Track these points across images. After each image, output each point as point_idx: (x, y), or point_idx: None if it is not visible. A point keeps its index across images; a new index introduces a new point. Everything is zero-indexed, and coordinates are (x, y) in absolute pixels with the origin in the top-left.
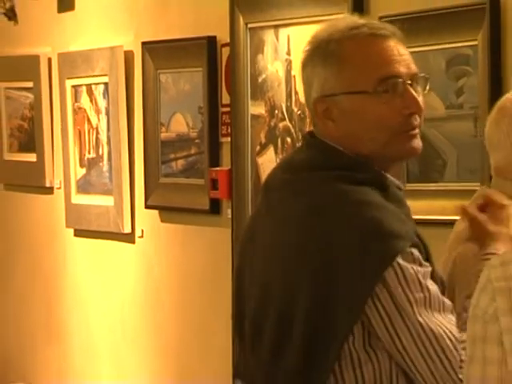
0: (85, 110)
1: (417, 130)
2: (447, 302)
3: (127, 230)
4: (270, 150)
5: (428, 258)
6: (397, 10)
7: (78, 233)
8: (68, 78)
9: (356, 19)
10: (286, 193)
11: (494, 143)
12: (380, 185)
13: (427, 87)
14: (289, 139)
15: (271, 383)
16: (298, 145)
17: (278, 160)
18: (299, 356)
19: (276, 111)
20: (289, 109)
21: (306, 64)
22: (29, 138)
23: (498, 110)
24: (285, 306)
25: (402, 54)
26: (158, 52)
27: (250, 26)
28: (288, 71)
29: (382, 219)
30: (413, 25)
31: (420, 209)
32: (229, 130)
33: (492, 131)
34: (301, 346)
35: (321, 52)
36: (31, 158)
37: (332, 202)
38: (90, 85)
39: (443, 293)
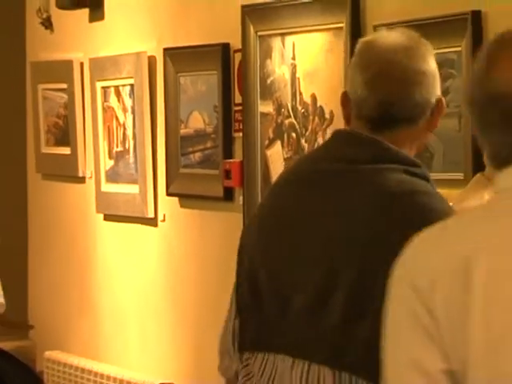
0: (113, 108)
1: None
2: None
3: (151, 214)
4: (278, 144)
5: None
6: (389, 20)
7: (107, 217)
8: (98, 80)
9: None
10: (349, 182)
11: None
12: (427, 178)
13: None
14: (294, 134)
15: (342, 353)
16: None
17: (284, 153)
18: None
19: (282, 109)
20: (294, 107)
21: None
22: (63, 133)
23: None
24: (360, 290)
25: None
26: (178, 57)
27: (259, 33)
28: (293, 74)
29: (449, 211)
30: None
31: None
32: (241, 126)
33: None
34: (375, 320)
35: None
36: (66, 151)
37: (406, 191)
38: (118, 86)
39: None
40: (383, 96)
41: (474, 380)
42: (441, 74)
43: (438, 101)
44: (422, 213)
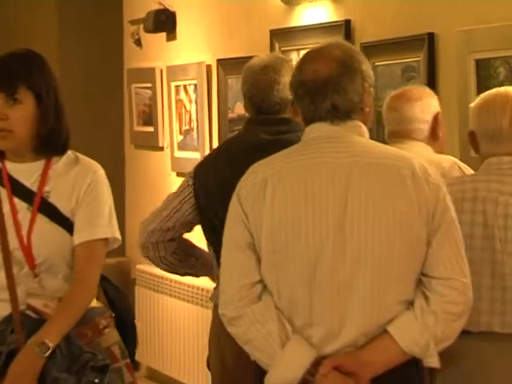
0: (182, 100)
1: None
2: None
3: None
4: None
5: None
6: (371, 39)
7: (178, 174)
8: (172, 81)
9: None
10: None
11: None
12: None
13: None
14: None
15: None
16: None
17: None
18: None
19: None
20: None
21: None
22: (149, 117)
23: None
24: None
25: None
26: (226, 65)
27: (282, 49)
28: None
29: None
30: (382, 48)
31: None
32: None
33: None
34: None
35: None
36: (150, 129)
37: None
38: (186, 85)
39: None
40: None
41: (264, 249)
42: (406, 76)
43: None
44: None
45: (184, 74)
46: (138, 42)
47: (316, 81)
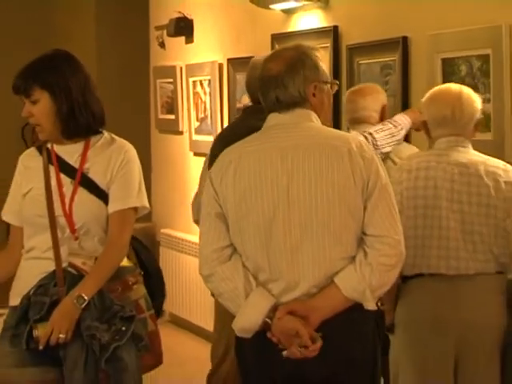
0: (199, 93)
1: None
2: None
3: None
4: None
5: None
6: (355, 41)
7: (195, 154)
8: (190, 77)
9: None
10: None
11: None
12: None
13: None
14: None
15: None
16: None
17: None
18: None
19: None
20: None
21: None
22: (171, 107)
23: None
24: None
25: None
26: (235, 63)
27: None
28: None
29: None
30: (364, 49)
31: None
32: None
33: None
34: None
35: None
36: (172, 117)
37: None
38: (201, 80)
39: None
40: None
41: (230, 218)
42: (384, 73)
43: None
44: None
45: (200, 71)
46: (162, 45)
47: (266, 77)
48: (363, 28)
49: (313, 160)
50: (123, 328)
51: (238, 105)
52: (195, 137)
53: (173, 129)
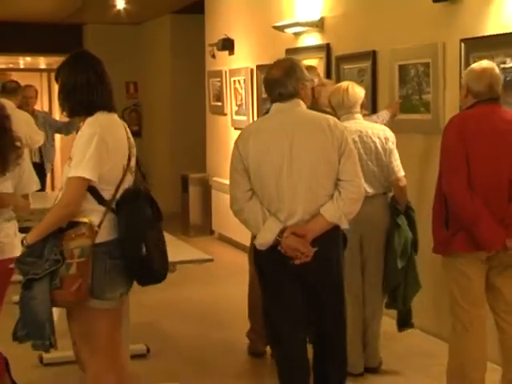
0: (237, 88)
1: None
2: None
3: None
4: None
5: None
6: (341, 53)
7: (236, 128)
8: (231, 77)
9: None
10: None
11: None
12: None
13: None
14: None
15: None
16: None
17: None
18: None
19: None
20: None
21: None
22: (219, 97)
23: None
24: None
25: None
26: (261, 68)
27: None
28: None
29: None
30: (347, 58)
31: None
32: None
33: None
34: None
35: None
36: (219, 104)
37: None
38: (240, 80)
39: None
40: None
41: (251, 171)
42: (360, 75)
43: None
44: None
45: (238, 73)
46: (213, 56)
47: (271, 79)
48: (346, 44)
49: (305, 130)
50: (46, 266)
51: (264, 95)
52: (235, 117)
53: (220, 111)
